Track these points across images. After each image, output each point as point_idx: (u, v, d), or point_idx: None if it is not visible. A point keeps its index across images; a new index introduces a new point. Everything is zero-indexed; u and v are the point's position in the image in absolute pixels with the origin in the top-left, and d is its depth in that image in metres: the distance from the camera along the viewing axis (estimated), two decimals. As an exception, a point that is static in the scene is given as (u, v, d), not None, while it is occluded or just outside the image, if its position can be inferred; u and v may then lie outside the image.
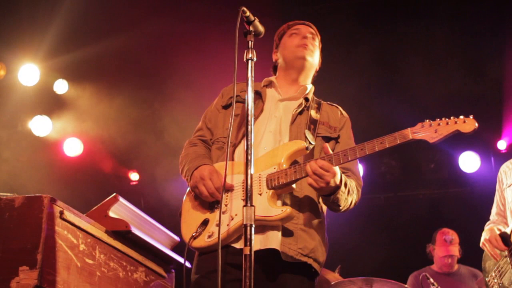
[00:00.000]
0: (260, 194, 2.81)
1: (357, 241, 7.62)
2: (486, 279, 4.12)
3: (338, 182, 2.76)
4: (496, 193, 4.34)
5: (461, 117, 2.69)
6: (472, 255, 6.21)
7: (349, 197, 2.89)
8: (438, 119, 2.72)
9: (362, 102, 6.79)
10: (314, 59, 3.26)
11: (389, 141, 2.71)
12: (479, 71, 6.89)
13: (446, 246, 6.17)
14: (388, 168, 8.03)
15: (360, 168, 7.37)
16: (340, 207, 2.89)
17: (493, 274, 4.05)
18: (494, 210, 4.35)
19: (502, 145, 7.60)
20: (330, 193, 2.80)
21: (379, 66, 7.00)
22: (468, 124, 2.66)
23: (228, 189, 2.89)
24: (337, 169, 2.75)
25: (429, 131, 2.70)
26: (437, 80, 7.07)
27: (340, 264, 5.50)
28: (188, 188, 3.06)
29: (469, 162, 7.69)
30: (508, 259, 3.96)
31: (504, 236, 4.01)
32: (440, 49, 6.89)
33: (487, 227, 4.28)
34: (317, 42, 3.32)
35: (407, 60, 6.89)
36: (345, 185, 2.84)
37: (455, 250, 6.13)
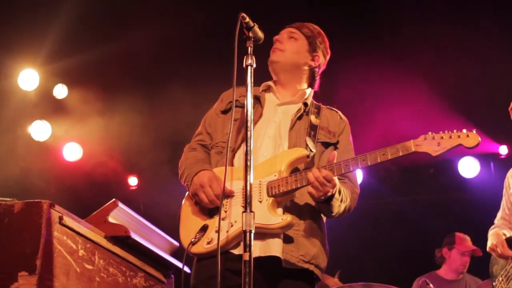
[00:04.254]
0: (260, 202, 2.80)
1: (357, 247, 7.61)
2: (494, 283, 4.14)
3: (334, 191, 2.76)
4: (503, 197, 4.37)
5: (464, 130, 2.68)
6: (471, 259, 6.23)
7: (342, 204, 2.87)
8: (441, 132, 2.71)
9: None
10: (286, 58, 3.19)
11: (392, 152, 2.71)
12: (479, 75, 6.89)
13: (468, 242, 6.18)
14: (388, 173, 8.02)
15: (360, 173, 7.39)
16: (333, 214, 2.89)
17: (500, 279, 4.07)
18: (499, 214, 4.38)
19: (502, 150, 7.60)
20: (324, 201, 2.80)
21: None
22: (471, 138, 2.66)
23: (228, 195, 2.88)
24: (336, 179, 2.75)
25: (431, 144, 2.70)
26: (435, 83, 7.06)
27: (340, 270, 5.50)
28: (187, 193, 3.06)
29: (468, 167, 7.70)
30: None
31: (510, 241, 4.03)
32: (438, 52, 6.89)
33: (491, 231, 4.29)
34: (301, 39, 3.23)
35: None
36: (339, 192, 2.83)
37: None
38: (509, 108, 4.18)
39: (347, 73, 6.45)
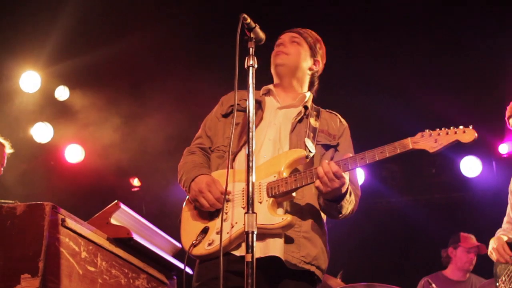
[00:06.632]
0: (261, 203, 2.81)
1: (359, 247, 7.61)
2: (497, 283, 4.15)
3: (345, 190, 2.77)
4: (509, 202, 4.37)
5: (461, 127, 2.72)
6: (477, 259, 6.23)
7: (349, 206, 2.91)
8: (438, 129, 2.75)
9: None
10: (292, 61, 3.23)
11: (389, 150, 2.73)
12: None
13: (473, 240, 6.20)
14: (390, 173, 8.01)
15: (362, 173, 7.38)
16: (341, 215, 2.91)
17: (504, 278, 4.09)
18: (505, 219, 4.40)
19: (503, 149, 7.58)
20: (334, 200, 2.81)
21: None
22: (467, 134, 2.69)
23: (228, 197, 2.88)
24: (346, 177, 2.76)
25: (429, 141, 2.73)
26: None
27: (342, 270, 5.50)
28: (187, 197, 3.06)
29: (470, 166, 7.68)
30: None
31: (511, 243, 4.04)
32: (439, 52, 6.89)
33: (496, 235, 4.31)
34: (303, 44, 3.29)
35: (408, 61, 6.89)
36: (350, 194, 2.86)
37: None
38: (506, 118, 4.20)
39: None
